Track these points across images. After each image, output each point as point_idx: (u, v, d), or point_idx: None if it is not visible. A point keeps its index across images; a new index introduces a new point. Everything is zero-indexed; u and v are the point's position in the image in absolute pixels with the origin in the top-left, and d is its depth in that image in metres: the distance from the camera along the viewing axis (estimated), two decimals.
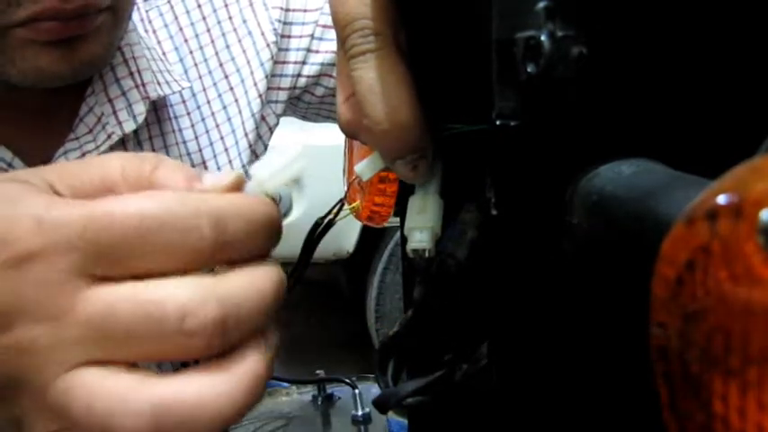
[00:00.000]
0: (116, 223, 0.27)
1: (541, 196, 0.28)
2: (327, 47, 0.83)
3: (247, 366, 0.28)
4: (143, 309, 0.27)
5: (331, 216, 0.58)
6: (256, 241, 0.30)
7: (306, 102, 0.87)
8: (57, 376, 0.27)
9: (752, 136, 0.21)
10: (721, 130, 0.27)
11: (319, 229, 0.58)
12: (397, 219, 0.40)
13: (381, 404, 0.35)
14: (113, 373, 0.28)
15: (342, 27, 0.33)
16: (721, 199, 0.16)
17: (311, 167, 2.02)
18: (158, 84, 0.73)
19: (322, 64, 0.83)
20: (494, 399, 0.31)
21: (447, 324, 0.36)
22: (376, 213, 0.60)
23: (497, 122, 0.28)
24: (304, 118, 0.91)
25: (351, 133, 0.35)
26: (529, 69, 0.26)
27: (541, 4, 0.26)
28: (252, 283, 0.29)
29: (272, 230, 0.30)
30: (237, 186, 0.31)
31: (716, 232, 0.16)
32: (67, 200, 0.28)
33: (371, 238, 2.48)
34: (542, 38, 0.26)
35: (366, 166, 0.36)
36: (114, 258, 0.27)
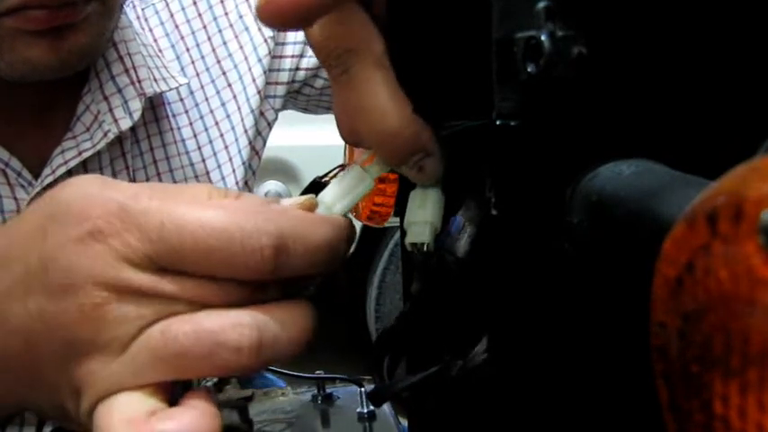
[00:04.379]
0: (188, 228, 0.29)
1: (541, 196, 0.28)
2: None
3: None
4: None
5: (327, 178, 0.59)
6: (314, 265, 0.32)
7: (306, 95, 0.86)
8: (130, 334, 0.30)
9: (752, 136, 0.21)
10: (721, 130, 0.27)
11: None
12: (397, 219, 0.40)
13: (376, 397, 0.35)
14: (201, 312, 0.30)
15: (317, 55, 0.32)
16: (721, 199, 0.16)
17: (311, 167, 2.02)
18: (154, 80, 0.72)
19: None
20: (493, 397, 0.31)
21: (444, 320, 0.36)
22: (376, 213, 0.60)
23: (497, 122, 0.28)
24: (305, 111, 0.91)
25: (353, 145, 0.36)
26: (529, 69, 0.26)
27: (541, 4, 0.26)
28: (290, 315, 0.32)
29: (332, 254, 0.32)
30: (308, 209, 0.33)
31: (716, 232, 0.16)
32: (152, 195, 0.30)
33: (371, 238, 2.48)
34: (542, 38, 0.26)
35: (371, 170, 0.36)
36: (177, 259, 0.30)
